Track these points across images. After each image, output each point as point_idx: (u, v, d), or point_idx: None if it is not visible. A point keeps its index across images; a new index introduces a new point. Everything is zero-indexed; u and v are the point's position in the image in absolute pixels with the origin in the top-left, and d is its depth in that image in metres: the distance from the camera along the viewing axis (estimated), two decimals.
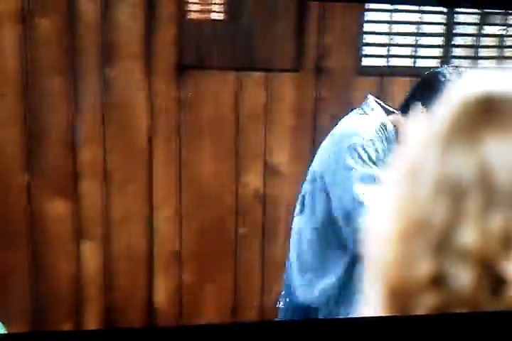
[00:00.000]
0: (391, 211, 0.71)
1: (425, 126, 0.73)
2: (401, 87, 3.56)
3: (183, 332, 0.68)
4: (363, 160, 2.23)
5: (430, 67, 3.66)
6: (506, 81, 0.72)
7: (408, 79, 3.55)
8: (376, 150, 2.25)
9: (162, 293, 3.56)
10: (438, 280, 0.66)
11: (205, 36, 3.40)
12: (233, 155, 3.50)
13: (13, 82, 3.25)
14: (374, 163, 2.24)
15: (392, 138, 2.26)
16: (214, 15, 3.41)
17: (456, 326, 0.65)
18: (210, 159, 3.48)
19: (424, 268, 0.67)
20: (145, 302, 3.55)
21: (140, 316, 3.56)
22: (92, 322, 3.50)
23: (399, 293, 0.69)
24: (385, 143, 2.26)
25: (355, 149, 2.23)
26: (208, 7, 3.41)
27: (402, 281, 0.69)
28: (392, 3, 3.38)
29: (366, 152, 2.23)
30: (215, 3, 3.40)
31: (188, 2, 3.37)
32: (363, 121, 2.28)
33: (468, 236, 0.65)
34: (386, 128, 2.26)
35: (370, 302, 0.74)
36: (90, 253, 3.44)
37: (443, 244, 0.66)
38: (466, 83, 0.72)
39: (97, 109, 3.33)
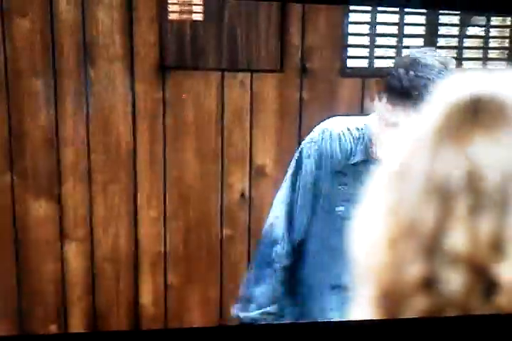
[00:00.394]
0: (380, 213, 0.71)
1: (413, 127, 0.73)
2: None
3: (168, 334, 0.68)
4: (295, 160, 2.28)
5: None
6: (492, 82, 0.72)
7: None
8: (327, 149, 2.23)
9: (147, 294, 3.55)
10: (429, 284, 0.66)
11: (188, 37, 3.39)
12: (218, 156, 3.50)
13: None
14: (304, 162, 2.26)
15: (366, 138, 2.24)
16: (196, 16, 3.41)
17: (447, 329, 0.65)
18: (195, 160, 3.48)
19: (414, 271, 0.66)
20: (130, 303, 3.55)
21: (125, 317, 3.55)
22: (77, 323, 3.50)
23: (390, 295, 0.69)
24: (355, 143, 2.22)
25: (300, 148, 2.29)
26: (189, 8, 3.40)
27: (393, 284, 0.68)
28: (371, 6, 3.39)
29: (301, 152, 2.26)
30: (197, 4, 3.39)
31: (170, 3, 3.36)
32: (343, 120, 2.28)
33: (458, 239, 0.65)
34: (365, 129, 2.25)
35: (361, 305, 0.74)
36: (75, 254, 3.44)
37: (433, 247, 0.66)
38: (453, 84, 0.72)
39: (80, 110, 3.33)
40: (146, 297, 3.55)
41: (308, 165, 2.26)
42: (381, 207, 0.72)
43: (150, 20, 3.34)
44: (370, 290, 0.71)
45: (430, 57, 2.04)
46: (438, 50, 3.71)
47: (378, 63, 3.67)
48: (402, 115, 2.02)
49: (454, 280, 0.65)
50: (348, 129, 2.21)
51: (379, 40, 3.65)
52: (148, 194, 3.47)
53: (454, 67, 2.09)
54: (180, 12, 3.38)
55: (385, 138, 2.10)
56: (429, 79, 1.98)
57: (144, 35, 3.34)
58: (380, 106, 2.08)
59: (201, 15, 3.40)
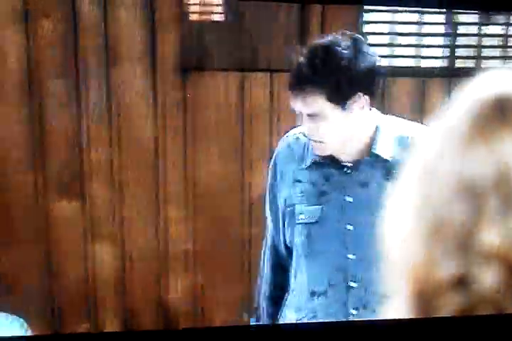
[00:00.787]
0: (411, 212, 0.72)
1: (441, 126, 0.73)
2: (403, 88, 3.58)
3: (196, 334, 0.70)
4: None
5: (433, 68, 3.70)
6: None
7: (411, 79, 3.58)
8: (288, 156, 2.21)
9: (176, 293, 3.56)
10: (462, 282, 0.66)
11: (208, 37, 3.42)
12: (240, 156, 3.51)
13: (20, 83, 3.29)
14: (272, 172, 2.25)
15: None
16: (216, 17, 3.44)
17: (479, 328, 0.65)
18: (217, 159, 3.50)
19: (447, 269, 0.66)
20: (158, 301, 3.57)
21: (154, 315, 3.58)
22: (107, 321, 3.53)
23: (423, 293, 0.69)
24: (305, 147, 2.18)
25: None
26: (210, 8, 3.43)
27: (426, 282, 0.68)
28: (389, 5, 3.38)
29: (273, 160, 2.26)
30: (217, 5, 3.42)
31: (190, 4, 3.39)
32: (301, 127, 2.23)
33: (490, 237, 0.65)
34: None
35: (395, 303, 0.74)
36: (104, 253, 3.48)
37: (465, 245, 0.66)
38: (481, 83, 0.73)
39: (103, 110, 3.36)
40: (174, 295, 3.56)
41: (271, 179, 2.25)
42: (412, 206, 0.72)
43: (171, 20, 3.36)
44: (404, 289, 0.71)
45: (333, 43, 1.99)
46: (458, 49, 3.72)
47: (397, 62, 3.68)
48: (310, 104, 1.99)
49: (488, 278, 0.65)
50: (304, 135, 2.15)
51: (398, 39, 3.65)
52: (173, 193, 3.50)
53: (366, 52, 2.01)
54: (201, 13, 3.41)
55: (310, 131, 2.09)
56: (328, 65, 1.95)
57: (165, 36, 3.37)
58: (293, 100, 2.05)
59: (221, 15, 3.43)
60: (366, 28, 3.56)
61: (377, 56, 2.10)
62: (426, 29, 3.68)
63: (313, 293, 2.18)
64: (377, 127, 2.12)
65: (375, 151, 2.09)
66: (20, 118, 3.31)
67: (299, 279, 2.21)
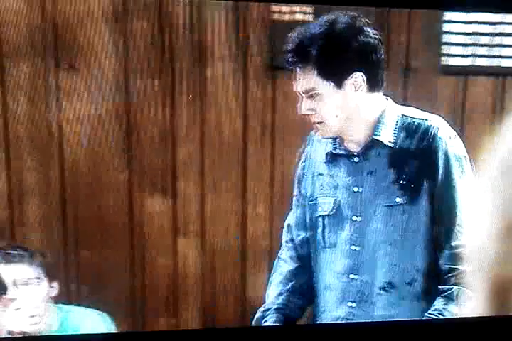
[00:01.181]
0: (490, 210, 0.73)
1: None
2: (482, 87, 3.57)
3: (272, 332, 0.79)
4: None
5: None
6: None
7: (491, 79, 3.57)
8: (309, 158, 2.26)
9: (255, 290, 3.62)
10: None
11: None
12: None
13: (111, 82, 3.36)
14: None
15: None
16: (305, 16, 3.48)
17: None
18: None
19: None
20: (238, 298, 3.63)
21: (234, 311, 3.64)
22: (188, 317, 3.61)
23: (500, 288, 0.71)
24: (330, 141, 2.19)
25: None
26: (298, 8, 3.48)
27: (502, 277, 0.70)
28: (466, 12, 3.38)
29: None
30: (305, 5, 3.47)
31: (279, 3, 3.45)
32: None
33: None
34: None
35: (473, 297, 0.76)
36: (187, 249, 3.53)
37: None
38: None
39: (194, 108, 3.44)
40: (254, 292, 3.63)
41: (299, 176, 2.32)
42: (492, 203, 0.72)
43: (260, 20, 3.43)
44: (482, 283, 0.73)
45: (328, 20, 2.03)
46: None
47: (476, 61, 3.67)
48: (304, 79, 2.05)
49: None
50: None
51: (476, 39, 3.64)
52: (256, 191, 3.55)
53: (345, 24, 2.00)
54: (290, 12, 3.47)
55: (308, 111, 2.10)
56: (320, 40, 2.00)
57: (254, 35, 3.42)
58: (294, 82, 2.07)
59: (309, 15, 3.47)
60: (446, 28, 3.57)
61: (378, 36, 2.06)
62: (505, 29, 3.66)
63: (324, 287, 2.21)
64: (382, 113, 2.10)
65: (378, 138, 2.08)
66: (111, 117, 3.38)
67: (315, 271, 2.25)
